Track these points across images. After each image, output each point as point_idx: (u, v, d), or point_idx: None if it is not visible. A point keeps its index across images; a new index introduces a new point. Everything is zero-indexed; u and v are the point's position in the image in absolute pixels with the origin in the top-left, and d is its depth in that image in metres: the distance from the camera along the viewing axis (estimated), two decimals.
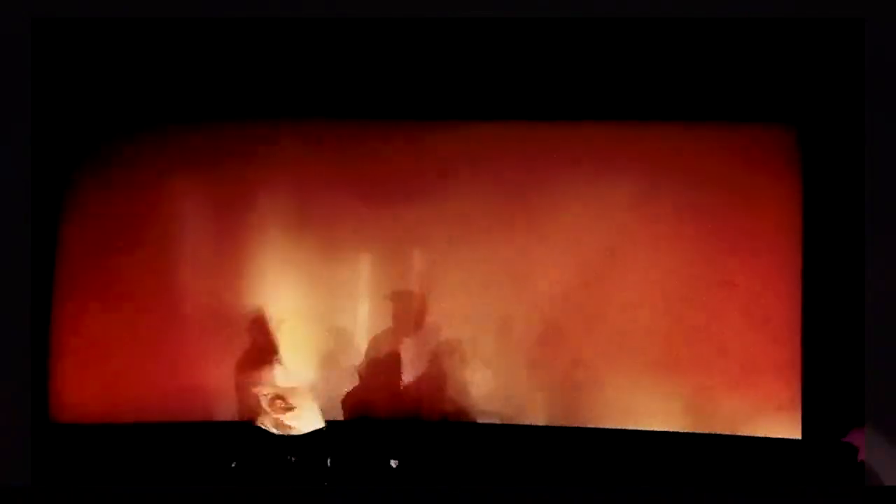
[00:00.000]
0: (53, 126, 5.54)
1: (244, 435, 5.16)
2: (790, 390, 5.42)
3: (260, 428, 5.10)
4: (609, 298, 5.62)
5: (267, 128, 5.77)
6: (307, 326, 5.72)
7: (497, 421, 5.58)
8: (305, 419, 5.12)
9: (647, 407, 5.51)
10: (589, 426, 5.55)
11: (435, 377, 5.65)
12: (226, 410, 5.61)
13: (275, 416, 5.09)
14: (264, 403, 5.14)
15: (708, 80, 5.44)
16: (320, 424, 5.14)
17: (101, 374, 5.59)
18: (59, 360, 5.57)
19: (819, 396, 5.34)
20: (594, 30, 5.18)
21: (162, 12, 5.00)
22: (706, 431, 5.45)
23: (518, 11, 4.92)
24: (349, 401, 5.65)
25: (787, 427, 5.40)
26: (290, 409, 5.11)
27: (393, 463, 5.06)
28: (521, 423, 5.57)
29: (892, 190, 4.93)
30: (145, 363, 5.61)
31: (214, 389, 5.63)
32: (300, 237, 5.78)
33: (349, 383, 5.67)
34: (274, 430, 5.07)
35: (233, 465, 5.21)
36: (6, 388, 5.05)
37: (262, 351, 5.63)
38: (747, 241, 5.56)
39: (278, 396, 5.15)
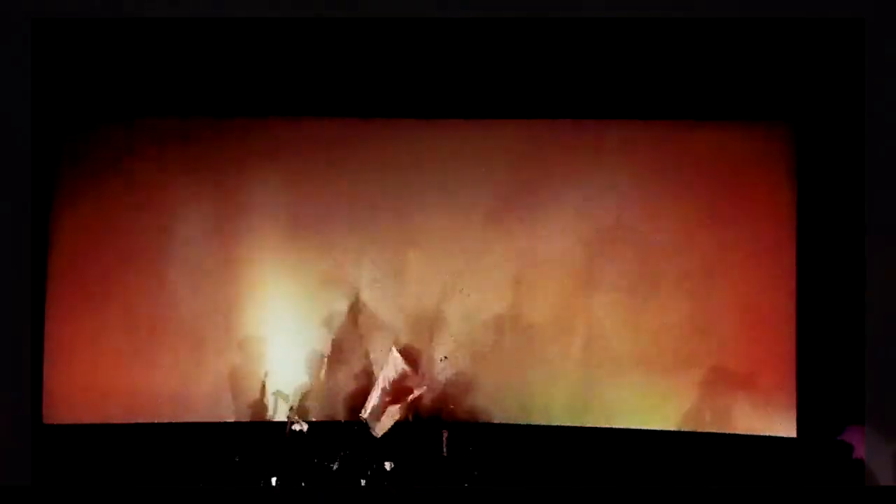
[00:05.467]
0: (51, 125, 5.38)
1: (238, 435, 5.09)
2: (785, 389, 5.27)
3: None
4: (607, 298, 5.45)
5: (263, 125, 5.58)
6: (305, 326, 5.53)
7: (497, 421, 5.40)
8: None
9: (644, 406, 5.36)
10: (586, 426, 5.39)
11: (433, 377, 5.43)
12: (219, 411, 5.43)
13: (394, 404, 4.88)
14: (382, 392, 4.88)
15: (707, 79, 5.30)
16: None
17: (93, 376, 5.39)
18: (51, 361, 5.36)
19: (814, 395, 5.20)
20: (593, 29, 5.05)
21: (162, 12, 4.89)
22: (702, 430, 5.30)
23: (518, 12, 4.80)
24: (348, 401, 5.42)
25: (783, 425, 5.25)
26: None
27: (387, 465, 4.85)
28: (521, 422, 5.40)
29: (889, 188, 4.74)
30: (137, 364, 5.41)
31: (208, 390, 5.45)
32: (296, 236, 5.58)
33: (348, 384, 5.47)
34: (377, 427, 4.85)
35: (236, 460, 5.08)
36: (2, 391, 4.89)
37: None
38: (743, 239, 5.40)
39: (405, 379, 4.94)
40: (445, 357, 5.38)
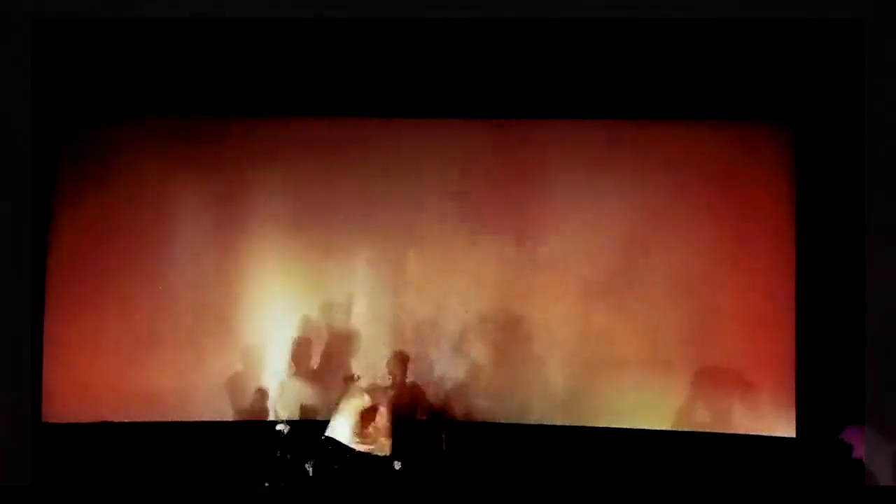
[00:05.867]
0: (51, 125, 5.38)
1: (237, 434, 5.08)
2: (785, 389, 5.26)
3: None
4: (606, 298, 5.43)
5: (263, 125, 5.55)
6: (305, 325, 5.50)
7: (495, 420, 5.39)
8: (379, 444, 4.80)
9: (643, 406, 5.35)
10: (584, 425, 5.37)
11: (432, 376, 5.44)
12: (219, 410, 5.41)
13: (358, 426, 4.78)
14: (352, 410, 4.82)
15: (707, 79, 5.28)
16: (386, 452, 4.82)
17: (92, 375, 5.37)
18: (51, 360, 5.35)
19: (813, 394, 5.19)
20: (593, 30, 5.02)
21: (162, 12, 4.86)
22: (701, 430, 5.29)
23: (518, 12, 4.79)
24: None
25: (782, 425, 5.25)
26: (374, 425, 4.81)
27: (396, 465, 4.82)
28: (520, 421, 5.37)
29: (889, 188, 4.72)
30: (136, 363, 5.40)
31: (207, 389, 5.43)
32: (296, 235, 5.56)
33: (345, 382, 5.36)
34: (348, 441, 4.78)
35: (238, 453, 5.07)
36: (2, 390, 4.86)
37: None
38: (742, 239, 5.39)
39: (373, 409, 4.85)
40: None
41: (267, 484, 4.83)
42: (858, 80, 4.77)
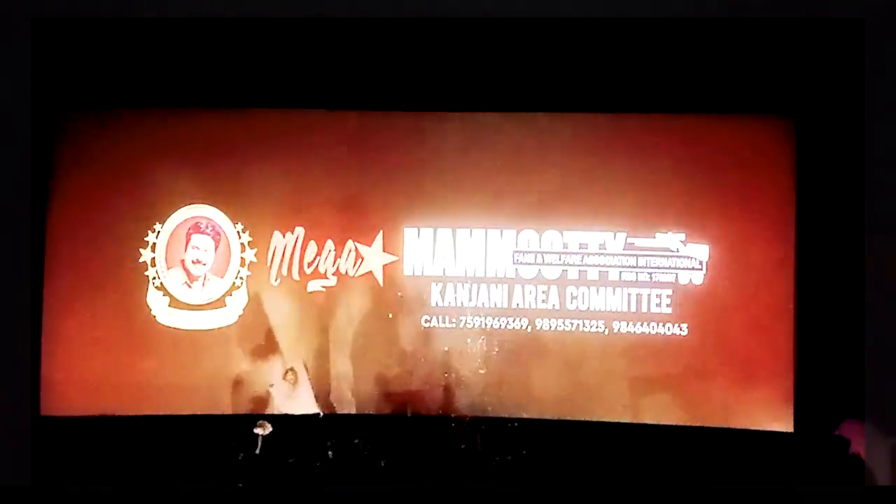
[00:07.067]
0: (50, 119, 5.36)
1: (236, 428, 5.06)
2: (783, 384, 5.26)
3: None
4: (606, 292, 5.41)
5: (263, 118, 5.52)
6: (303, 320, 5.50)
7: (494, 415, 5.36)
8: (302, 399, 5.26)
9: (641, 401, 5.34)
10: (583, 419, 5.36)
11: (431, 370, 5.44)
12: (217, 404, 5.41)
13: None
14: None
15: (711, 76, 5.28)
16: (314, 410, 5.23)
17: (91, 368, 5.37)
18: (49, 353, 5.35)
19: (812, 390, 5.18)
20: (601, 26, 5.07)
21: (163, 12, 4.93)
22: (699, 425, 5.29)
23: (535, 12, 4.87)
24: (344, 395, 5.46)
25: (780, 420, 5.25)
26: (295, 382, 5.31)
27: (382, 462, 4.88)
28: (516, 416, 5.35)
29: (888, 185, 4.74)
30: (134, 357, 5.40)
31: (206, 383, 5.44)
32: (293, 227, 5.50)
33: (343, 378, 5.46)
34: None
35: (240, 457, 5.04)
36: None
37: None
38: (743, 233, 5.36)
39: (291, 369, 5.36)
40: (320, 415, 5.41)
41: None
42: (859, 78, 4.78)
